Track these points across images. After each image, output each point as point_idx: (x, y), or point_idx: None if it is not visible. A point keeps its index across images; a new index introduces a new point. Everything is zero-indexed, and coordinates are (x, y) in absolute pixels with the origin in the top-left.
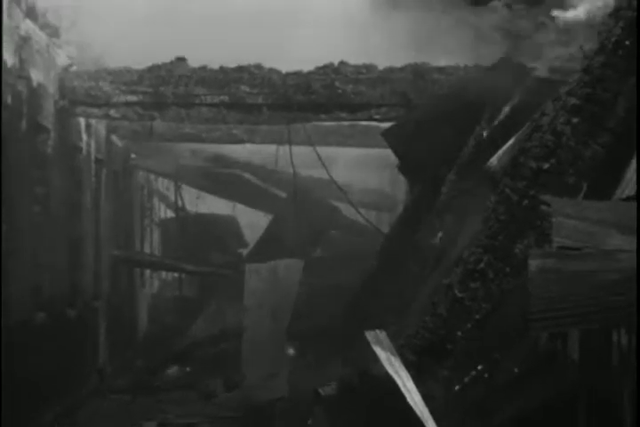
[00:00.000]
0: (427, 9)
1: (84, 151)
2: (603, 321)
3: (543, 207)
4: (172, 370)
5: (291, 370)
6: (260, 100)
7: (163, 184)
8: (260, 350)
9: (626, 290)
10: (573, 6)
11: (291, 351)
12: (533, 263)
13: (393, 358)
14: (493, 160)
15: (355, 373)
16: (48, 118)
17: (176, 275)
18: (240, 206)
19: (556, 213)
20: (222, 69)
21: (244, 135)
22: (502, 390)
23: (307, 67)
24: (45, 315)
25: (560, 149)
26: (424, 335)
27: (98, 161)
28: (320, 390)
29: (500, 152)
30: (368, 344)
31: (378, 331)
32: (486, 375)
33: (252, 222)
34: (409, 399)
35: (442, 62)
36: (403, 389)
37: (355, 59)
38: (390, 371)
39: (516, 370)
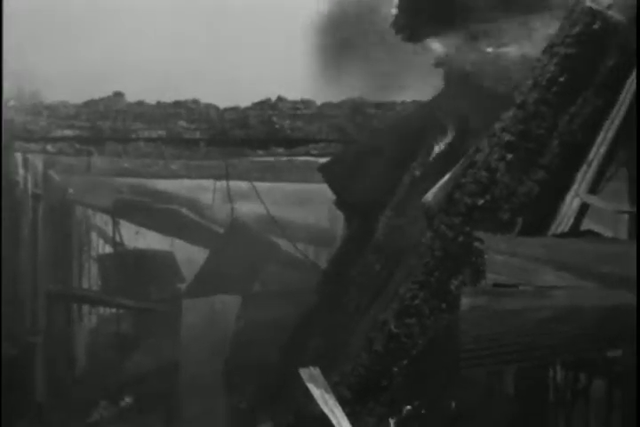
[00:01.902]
0: (365, 45)
1: (21, 186)
2: (536, 359)
3: (477, 244)
4: (109, 405)
5: (228, 406)
6: (197, 135)
7: (101, 219)
8: (197, 385)
9: (559, 327)
10: (508, 43)
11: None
12: (465, 301)
13: (327, 396)
14: (428, 196)
15: (290, 411)
16: None
17: (114, 310)
18: (179, 241)
19: (489, 249)
20: (159, 104)
21: (182, 170)
22: (439, 425)
23: (244, 102)
24: None
25: (494, 185)
26: (360, 372)
27: (35, 196)
28: None
29: (435, 188)
30: (303, 382)
31: (312, 368)
32: (423, 411)
33: (191, 258)
34: None
35: (379, 98)
36: None
37: (292, 94)
38: (325, 409)
39: (453, 405)
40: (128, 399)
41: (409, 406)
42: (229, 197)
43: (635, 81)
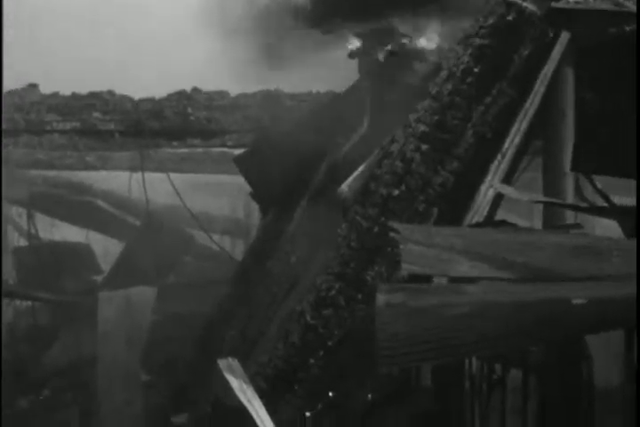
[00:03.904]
0: (276, 36)
1: None
2: (454, 356)
3: (392, 234)
4: (26, 400)
5: (146, 399)
6: (112, 126)
7: (16, 212)
8: (114, 378)
9: (475, 323)
10: (423, 34)
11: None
12: (381, 298)
13: (245, 387)
14: (344, 187)
15: (207, 402)
16: None
17: (30, 303)
18: (95, 234)
19: (404, 239)
20: (74, 96)
21: (97, 162)
22: (356, 417)
23: (159, 93)
24: None
25: (410, 175)
26: (276, 363)
27: None
28: (173, 420)
29: (351, 179)
30: (221, 372)
31: (230, 359)
32: (339, 402)
33: (107, 250)
34: None
35: (294, 89)
36: (256, 418)
37: (207, 85)
38: (243, 400)
39: (369, 397)
40: (45, 393)
41: (326, 398)
42: (145, 188)
43: (549, 72)
